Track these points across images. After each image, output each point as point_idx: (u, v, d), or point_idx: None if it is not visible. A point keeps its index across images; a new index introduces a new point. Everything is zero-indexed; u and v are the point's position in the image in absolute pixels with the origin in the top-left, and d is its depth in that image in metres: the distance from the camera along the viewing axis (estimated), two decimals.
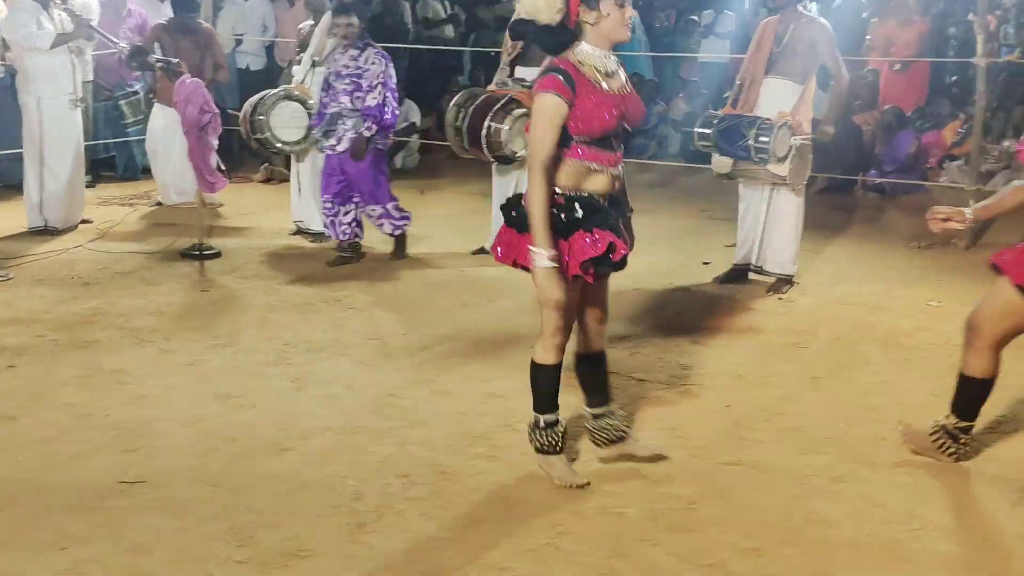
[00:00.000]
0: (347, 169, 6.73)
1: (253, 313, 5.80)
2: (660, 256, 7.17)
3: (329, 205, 6.88)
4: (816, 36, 5.98)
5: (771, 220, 6.37)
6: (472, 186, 9.28)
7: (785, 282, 6.36)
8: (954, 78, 11.25)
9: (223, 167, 7.39)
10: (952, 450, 3.94)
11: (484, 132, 6.45)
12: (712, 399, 4.60)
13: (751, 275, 6.52)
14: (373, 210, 6.90)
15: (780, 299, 6.20)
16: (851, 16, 11.82)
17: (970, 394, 3.92)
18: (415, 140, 10.71)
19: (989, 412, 4.41)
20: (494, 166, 6.87)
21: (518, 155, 6.54)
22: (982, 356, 3.85)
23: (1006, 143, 9.47)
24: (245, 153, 9.92)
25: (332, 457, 4.01)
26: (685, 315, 5.87)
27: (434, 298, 6.15)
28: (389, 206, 6.95)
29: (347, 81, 6.64)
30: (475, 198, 8.87)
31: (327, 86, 6.78)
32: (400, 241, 7.10)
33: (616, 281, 6.33)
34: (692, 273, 6.74)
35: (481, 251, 7.07)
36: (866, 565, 3.27)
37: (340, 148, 6.71)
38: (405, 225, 7.05)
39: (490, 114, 6.42)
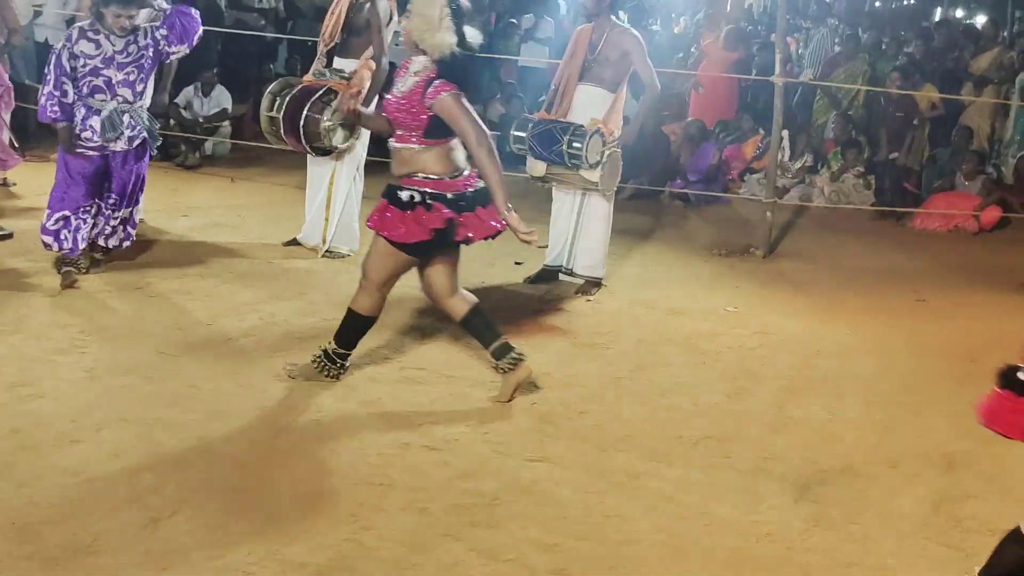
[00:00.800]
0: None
1: (45, 299, 5.50)
2: (472, 256, 7.20)
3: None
4: (628, 46, 6.18)
5: (582, 224, 6.53)
6: (284, 176, 9.11)
7: (593, 284, 6.53)
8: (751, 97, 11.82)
9: (16, 144, 6.96)
10: (329, 371, 4.60)
11: (302, 122, 6.33)
12: (519, 397, 4.67)
13: (561, 276, 6.66)
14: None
15: (588, 301, 6.36)
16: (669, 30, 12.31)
17: (353, 327, 4.57)
18: (226, 127, 10.41)
19: (777, 413, 4.67)
20: (309, 157, 6.76)
21: (339, 148, 6.46)
22: (370, 296, 4.49)
23: (801, 161, 10.04)
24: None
25: (127, 450, 3.85)
26: (496, 314, 5.89)
27: (241, 289, 5.99)
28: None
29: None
30: (287, 189, 8.71)
31: None
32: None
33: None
34: (504, 273, 6.82)
35: (293, 242, 6.95)
36: (658, 559, 3.40)
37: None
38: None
39: (308, 104, 6.31)
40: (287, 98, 6.43)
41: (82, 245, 5.71)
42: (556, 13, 13.10)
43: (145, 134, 5.76)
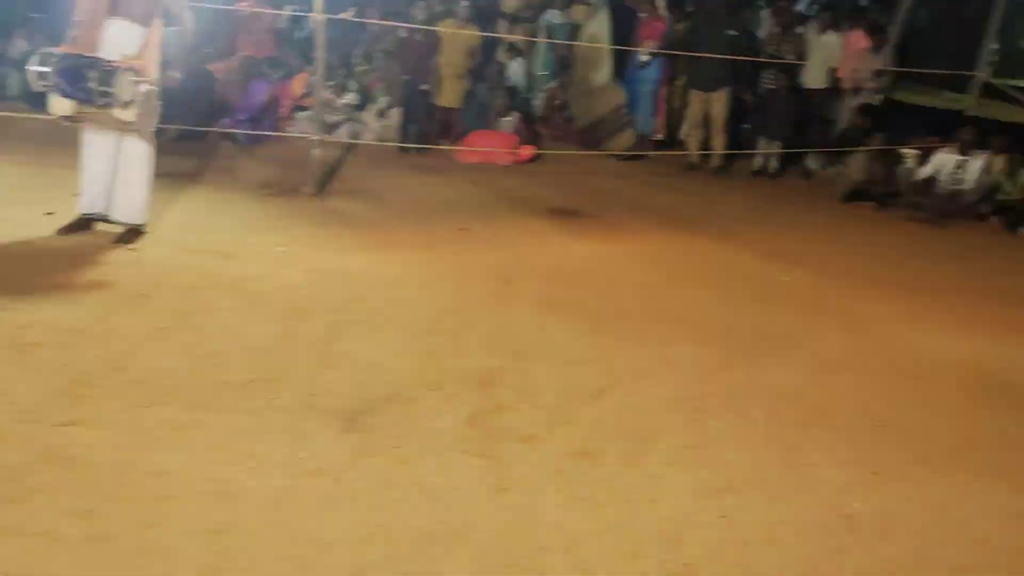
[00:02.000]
0: None
1: None
2: None
3: None
4: None
5: (120, 167, 6.16)
6: None
7: (135, 232, 6.21)
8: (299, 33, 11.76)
9: None
10: None
11: None
12: (48, 358, 4.35)
13: (99, 226, 6.26)
14: None
15: (131, 250, 6.04)
16: None
17: None
18: None
19: (325, 350, 4.74)
20: None
21: None
22: None
23: (347, 97, 10.16)
24: None
25: None
26: (23, 271, 5.46)
27: None
28: None
29: None
30: None
31: None
32: None
33: None
34: (32, 225, 6.28)
35: None
36: (201, 509, 3.34)
37: None
38: None
39: None
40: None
41: None
42: None
43: None
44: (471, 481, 3.71)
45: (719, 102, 10.30)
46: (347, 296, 5.58)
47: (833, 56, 10.77)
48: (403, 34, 10.55)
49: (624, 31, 10.88)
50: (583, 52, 10.77)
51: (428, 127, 10.27)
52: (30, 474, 3.41)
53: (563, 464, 3.89)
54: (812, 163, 10.64)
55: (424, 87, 10.36)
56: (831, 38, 10.78)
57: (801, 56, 10.77)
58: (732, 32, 10.20)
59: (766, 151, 10.56)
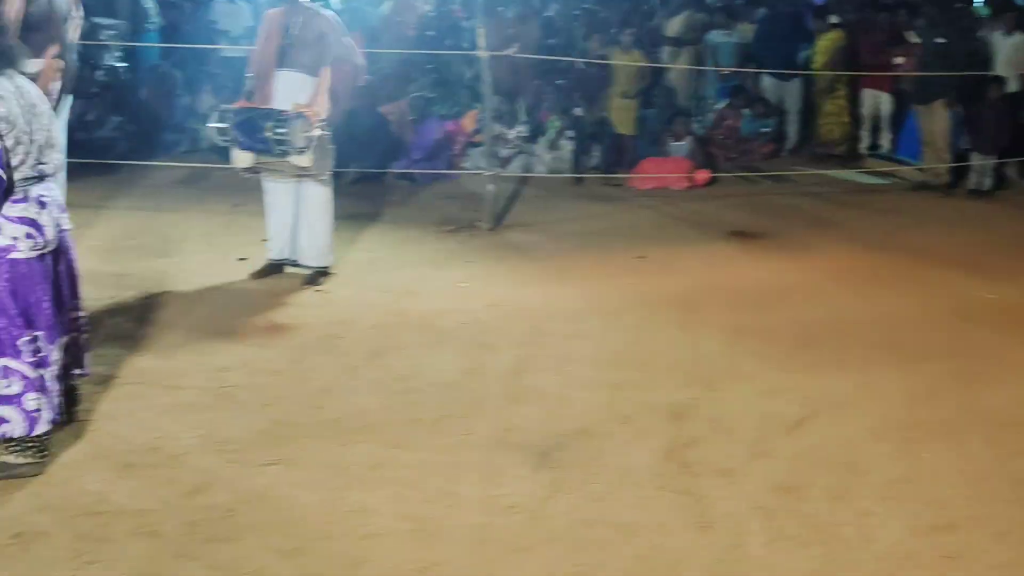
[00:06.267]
0: None
1: None
2: (191, 255, 6.90)
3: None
4: (324, 27, 6.04)
5: (302, 212, 6.35)
6: None
7: (321, 273, 6.38)
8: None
9: None
10: None
11: None
12: (249, 399, 4.48)
13: (288, 269, 6.46)
14: None
15: (318, 291, 6.20)
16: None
17: None
18: None
19: (513, 384, 4.72)
20: None
21: None
22: None
23: (518, 130, 10.23)
24: None
25: None
26: (220, 315, 5.68)
27: None
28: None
29: None
30: None
31: None
32: None
33: (142, 286, 6.07)
34: (227, 271, 6.54)
35: None
36: (403, 547, 3.34)
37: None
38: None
39: None
40: None
41: None
42: None
43: None
44: (671, 518, 3.59)
45: (936, 115, 9.76)
46: (530, 329, 5.57)
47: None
48: (581, 65, 10.55)
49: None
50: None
51: (603, 156, 10.22)
52: (240, 514, 3.49)
53: (766, 500, 3.73)
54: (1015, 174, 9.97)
55: (599, 116, 10.34)
56: (1018, 39, 10.17)
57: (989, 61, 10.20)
58: (942, 40, 9.67)
59: (979, 163, 9.90)
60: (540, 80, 10.85)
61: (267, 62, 6.07)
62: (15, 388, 3.63)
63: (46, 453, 3.76)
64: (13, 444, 3.68)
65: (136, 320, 5.42)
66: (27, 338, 3.63)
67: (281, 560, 3.23)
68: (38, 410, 3.66)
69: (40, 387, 3.66)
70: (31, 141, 3.61)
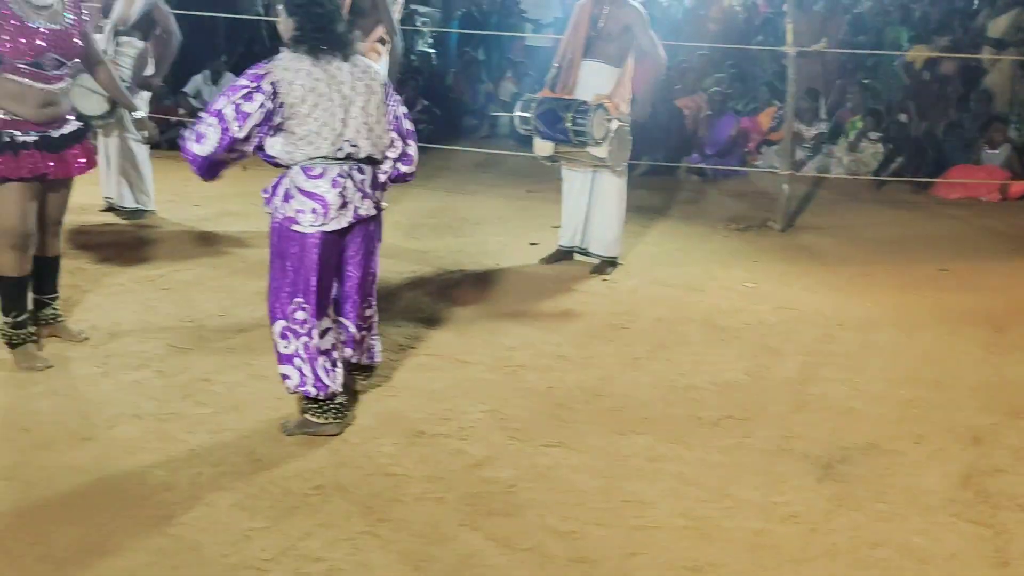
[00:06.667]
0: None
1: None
2: (486, 237, 7.17)
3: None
4: (630, 19, 6.07)
5: (594, 202, 6.44)
6: None
7: (609, 263, 6.45)
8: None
9: None
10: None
11: None
12: (534, 380, 4.61)
13: (577, 256, 6.58)
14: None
15: (604, 280, 6.28)
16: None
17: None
18: None
19: (798, 391, 4.59)
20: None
21: None
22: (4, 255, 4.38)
23: (817, 129, 9.89)
24: None
25: (139, 446, 3.81)
26: (510, 296, 5.87)
27: (252, 279, 5.94)
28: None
29: None
30: None
31: None
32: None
33: (439, 263, 6.36)
34: (519, 254, 6.75)
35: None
36: (678, 544, 3.32)
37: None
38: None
39: None
40: None
41: None
42: None
43: None
44: (965, 550, 3.37)
45: None
46: (818, 336, 5.38)
47: None
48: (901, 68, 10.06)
49: None
50: None
51: (911, 160, 9.72)
52: (520, 491, 3.60)
53: None
54: None
55: (903, 118, 9.83)
56: None
57: None
58: None
59: None
60: (844, 79, 10.45)
61: (573, 52, 6.19)
62: (291, 348, 3.89)
63: (344, 416, 4.01)
64: (313, 405, 3.95)
65: (433, 295, 5.69)
66: (295, 307, 3.86)
67: (557, 540, 3.30)
68: (301, 371, 3.89)
69: (307, 353, 3.88)
70: (328, 125, 3.77)
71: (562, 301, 5.84)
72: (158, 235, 6.77)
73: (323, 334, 3.93)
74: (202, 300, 5.53)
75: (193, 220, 7.20)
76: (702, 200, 8.84)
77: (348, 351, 4.16)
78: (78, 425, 3.96)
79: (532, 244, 6.92)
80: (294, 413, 4.06)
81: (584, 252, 6.54)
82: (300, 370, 3.90)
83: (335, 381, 3.95)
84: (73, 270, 5.88)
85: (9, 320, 4.46)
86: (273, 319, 3.90)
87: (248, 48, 11.81)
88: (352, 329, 4.14)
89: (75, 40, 4.38)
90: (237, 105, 3.69)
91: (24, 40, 4.19)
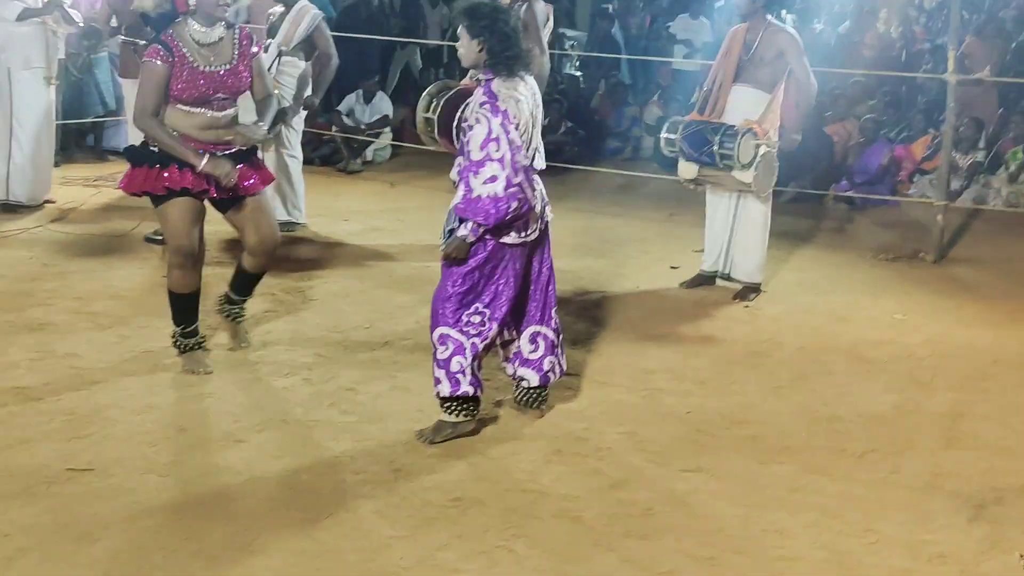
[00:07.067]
0: None
1: (212, 301, 5.69)
2: (627, 259, 7.16)
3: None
4: (784, 45, 5.99)
5: (738, 227, 6.36)
6: (443, 181, 9.19)
7: (752, 289, 6.35)
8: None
9: None
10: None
11: (455, 123, 6.37)
12: (673, 404, 4.57)
13: (718, 281, 6.50)
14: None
15: (746, 307, 6.19)
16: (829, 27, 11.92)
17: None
18: (387, 133, 10.64)
19: (949, 427, 4.43)
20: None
21: None
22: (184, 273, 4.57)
23: (970, 157, 9.53)
24: None
25: (286, 451, 3.94)
26: (650, 319, 5.84)
27: (398, 293, 6.08)
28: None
29: None
30: (446, 193, 8.79)
31: None
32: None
33: (579, 283, 6.38)
34: (659, 277, 6.71)
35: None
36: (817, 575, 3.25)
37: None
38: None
39: (462, 106, 6.34)
40: (443, 99, 6.47)
41: None
42: (711, 14, 12.88)
43: None
44: None
45: None
46: (972, 372, 5.18)
47: None
48: None
49: None
50: None
51: None
52: (657, 514, 3.58)
53: None
54: None
55: None
56: None
57: None
58: None
59: None
60: (1007, 108, 10.05)
61: (724, 76, 6.14)
62: (447, 353, 4.00)
63: (474, 414, 4.12)
64: (447, 404, 4.07)
65: (572, 315, 5.71)
66: (472, 311, 4.00)
67: (694, 565, 3.26)
68: (461, 372, 4.01)
69: (467, 354, 4.00)
70: (530, 138, 4.02)
71: (702, 326, 5.78)
72: (307, 248, 6.98)
73: (487, 341, 4.06)
74: (349, 312, 5.68)
75: (341, 234, 7.40)
76: (850, 228, 8.61)
77: (528, 372, 4.31)
78: (230, 427, 4.12)
79: (673, 268, 6.87)
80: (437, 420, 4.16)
81: (726, 277, 6.46)
82: (457, 374, 4.01)
83: (477, 385, 4.07)
84: (227, 279, 6.11)
85: (179, 330, 4.67)
86: (438, 324, 4.03)
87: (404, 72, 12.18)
88: (524, 341, 4.29)
89: (242, 78, 4.52)
90: (509, 142, 3.89)
91: (195, 82, 4.36)
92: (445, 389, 4.03)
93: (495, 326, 4.06)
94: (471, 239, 3.91)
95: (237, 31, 4.55)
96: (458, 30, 4.10)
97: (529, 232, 4.05)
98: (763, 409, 4.60)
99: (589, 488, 3.75)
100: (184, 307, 4.65)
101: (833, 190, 9.45)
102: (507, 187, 3.86)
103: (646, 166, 10.58)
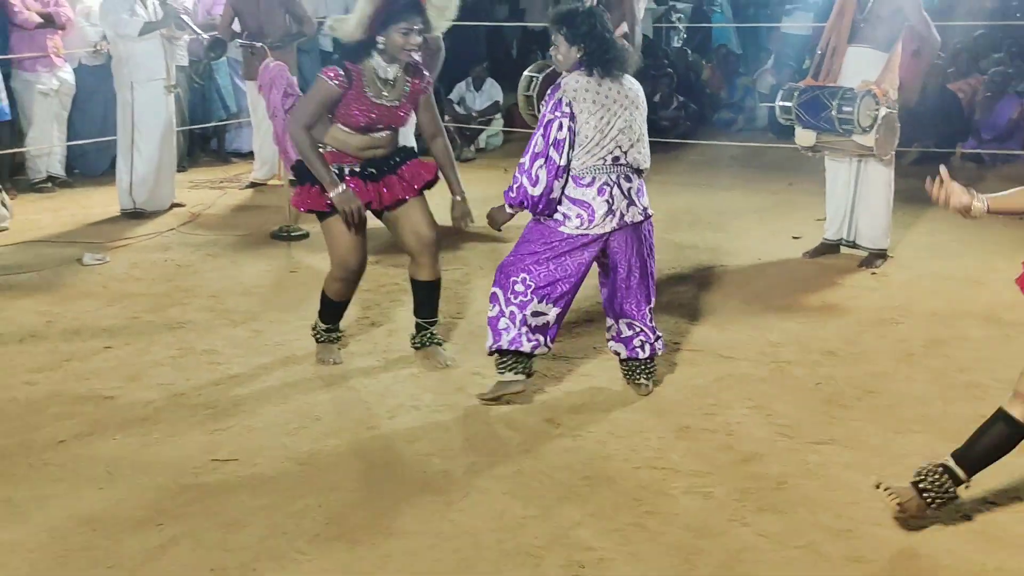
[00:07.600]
0: None
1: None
2: (747, 231, 7.06)
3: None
4: (901, 0, 5.79)
5: (861, 193, 6.22)
6: None
7: (878, 256, 6.20)
8: None
9: None
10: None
11: None
12: (802, 376, 4.51)
13: (843, 249, 6.37)
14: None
15: (873, 274, 6.05)
16: None
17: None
18: (498, 119, 10.70)
19: None
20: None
21: None
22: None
23: None
24: None
25: (418, 435, 4.03)
26: (774, 291, 5.76)
27: None
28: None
29: None
30: None
31: None
32: None
33: (698, 258, 6.32)
34: (781, 248, 6.60)
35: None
36: (962, 546, 3.17)
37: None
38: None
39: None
40: (543, 77, 6.50)
41: None
42: None
43: None
44: None
45: None
46: None
47: None
48: None
49: None
50: None
51: None
52: (791, 488, 3.54)
53: None
54: None
55: None
56: None
57: None
58: None
59: None
60: None
61: (838, 38, 5.98)
62: (493, 312, 4.23)
63: (523, 372, 4.27)
64: (500, 362, 4.25)
65: (694, 289, 5.68)
66: (520, 280, 4.16)
67: (831, 539, 3.22)
68: (506, 329, 4.19)
69: (515, 317, 4.17)
70: (604, 135, 4.02)
71: (828, 295, 5.67)
72: None
73: (536, 315, 4.18)
74: (471, 298, 5.76)
75: None
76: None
77: (619, 347, 4.38)
78: (362, 415, 4.23)
79: (795, 238, 6.75)
80: (555, 408, 4.20)
81: (851, 245, 6.32)
82: (502, 330, 4.20)
83: (530, 346, 4.21)
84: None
85: (322, 325, 4.82)
86: (493, 284, 4.25)
87: (506, 54, 12.21)
88: (621, 325, 4.32)
89: (405, 113, 4.52)
90: (555, 139, 4.00)
91: (367, 113, 4.36)
92: (488, 341, 4.24)
93: (545, 304, 4.17)
94: (507, 211, 4.22)
95: (412, 73, 4.50)
96: (553, 37, 4.12)
97: (591, 227, 4.09)
98: (896, 377, 4.50)
99: (719, 463, 3.73)
100: (335, 311, 4.80)
101: (960, 148, 9.13)
102: (530, 175, 4.04)
103: (760, 136, 10.40)
